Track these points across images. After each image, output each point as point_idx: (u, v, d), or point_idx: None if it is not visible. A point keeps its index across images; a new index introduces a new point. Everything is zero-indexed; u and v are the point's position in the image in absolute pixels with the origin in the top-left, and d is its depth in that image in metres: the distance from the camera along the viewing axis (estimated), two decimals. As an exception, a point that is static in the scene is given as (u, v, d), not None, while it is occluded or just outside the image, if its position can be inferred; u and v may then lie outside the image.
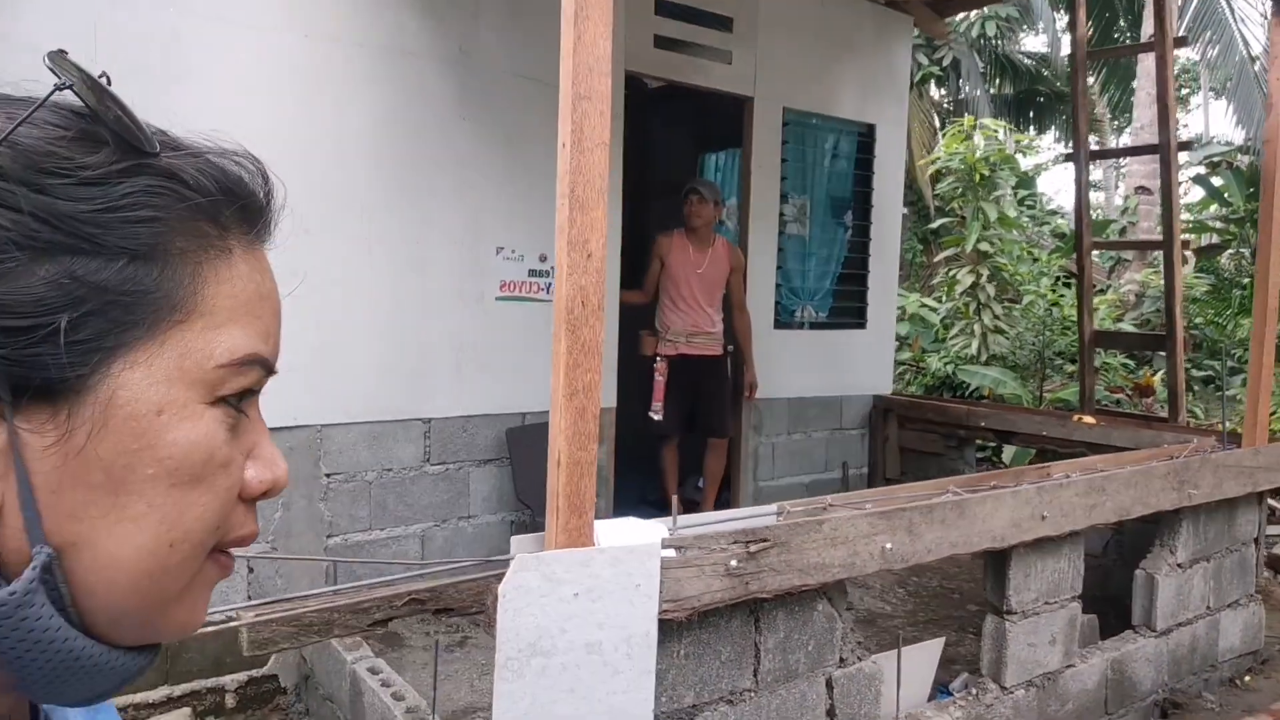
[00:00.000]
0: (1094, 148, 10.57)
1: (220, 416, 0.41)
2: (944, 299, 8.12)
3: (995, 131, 6.88)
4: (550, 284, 4.22)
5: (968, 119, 7.04)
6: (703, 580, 2.06)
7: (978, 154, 7.00)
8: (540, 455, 4.11)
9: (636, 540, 1.98)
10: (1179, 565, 3.48)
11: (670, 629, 2.07)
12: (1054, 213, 15.47)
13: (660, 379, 4.68)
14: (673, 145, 6.70)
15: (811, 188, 5.34)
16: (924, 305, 9.45)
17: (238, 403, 0.42)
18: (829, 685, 2.40)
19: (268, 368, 0.43)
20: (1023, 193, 11.71)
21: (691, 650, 2.14)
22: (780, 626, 2.30)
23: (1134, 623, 3.44)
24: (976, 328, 7.10)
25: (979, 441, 6.04)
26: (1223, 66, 11.11)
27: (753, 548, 2.12)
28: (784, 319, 5.30)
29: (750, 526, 2.17)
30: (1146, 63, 9.58)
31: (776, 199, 5.07)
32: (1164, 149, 4.34)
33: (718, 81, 4.78)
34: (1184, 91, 26.90)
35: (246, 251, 0.43)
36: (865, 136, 5.47)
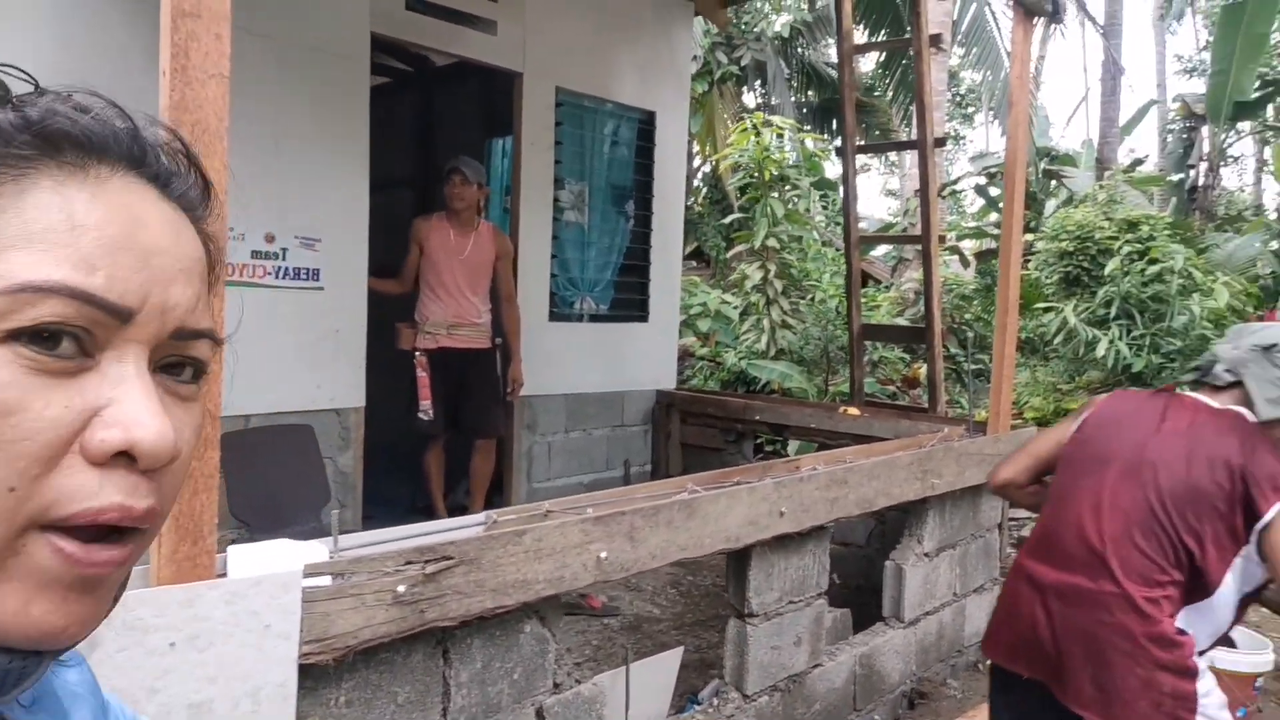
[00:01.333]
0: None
1: (7, 355, 0.37)
2: (737, 294, 8.20)
3: (782, 130, 6.96)
4: (282, 267, 3.73)
5: (756, 115, 7.09)
6: (364, 612, 1.72)
7: (766, 151, 7.07)
8: (262, 464, 3.62)
9: (268, 570, 1.61)
10: (926, 555, 3.51)
11: (325, 674, 1.72)
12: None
13: (423, 374, 4.30)
14: (460, 128, 6.30)
15: (590, 174, 5.12)
16: (724, 301, 9.55)
17: (51, 342, 0.38)
18: (539, 715, 2.13)
19: (91, 300, 0.39)
20: (820, 193, 12.16)
21: (357, 696, 1.80)
22: (476, 656, 2.00)
23: (884, 614, 3.43)
24: (765, 323, 7.17)
25: (766, 436, 6.07)
26: (990, 84, 12.04)
27: (430, 568, 1.81)
28: (561, 311, 5.05)
29: (433, 543, 1.85)
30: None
31: (550, 183, 4.80)
32: (921, 145, 4.43)
33: (481, 53, 4.44)
34: (970, 110, 29.37)
35: (65, 181, 0.40)
36: (646, 124, 5.32)
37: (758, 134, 6.99)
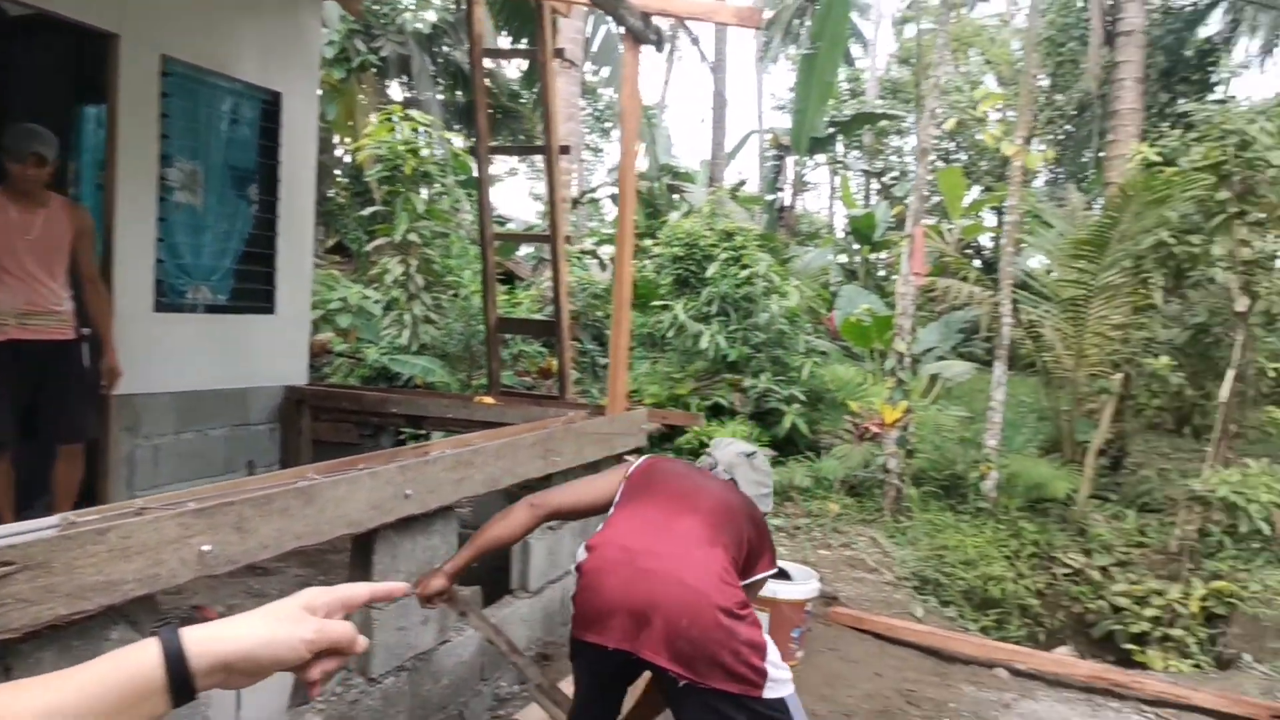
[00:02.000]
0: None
1: None
2: (379, 289, 8.05)
3: (420, 125, 6.98)
4: None
5: (395, 108, 7.03)
6: (-108, 631, 1.49)
7: (407, 145, 7.04)
8: None
9: None
10: (550, 528, 3.79)
11: None
12: (503, 220, 16.65)
13: None
14: (41, 90, 5.40)
15: (205, 153, 4.72)
16: (365, 296, 9.29)
17: None
18: (133, 725, 1.99)
19: None
20: (468, 191, 12.31)
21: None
22: (48, 670, 1.81)
23: (511, 586, 3.66)
24: (408, 318, 7.14)
25: (408, 431, 6.05)
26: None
27: (-15, 575, 1.61)
28: (171, 300, 4.59)
29: (-12, 548, 1.65)
30: (572, 85, 10.76)
31: (155, 161, 4.35)
32: (548, 152, 4.76)
33: (65, 6, 3.90)
34: (608, 125, 31.49)
35: None
36: (271, 105, 5.03)
37: (394, 128, 6.93)
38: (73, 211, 3.82)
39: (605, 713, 2.34)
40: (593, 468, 4.14)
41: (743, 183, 15.31)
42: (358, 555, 2.74)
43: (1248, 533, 5.36)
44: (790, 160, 15.41)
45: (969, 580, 5.38)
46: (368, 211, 8.04)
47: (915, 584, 5.09)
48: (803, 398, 7.07)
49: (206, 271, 4.79)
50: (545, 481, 3.73)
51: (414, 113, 7.24)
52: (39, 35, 5.14)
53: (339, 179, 15.55)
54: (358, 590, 0.92)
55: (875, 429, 5.64)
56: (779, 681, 2.06)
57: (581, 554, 2.26)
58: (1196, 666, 4.90)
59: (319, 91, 7.62)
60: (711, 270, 7.53)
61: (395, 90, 15.79)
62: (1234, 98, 15.38)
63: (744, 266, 7.54)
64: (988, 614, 5.35)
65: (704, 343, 7.17)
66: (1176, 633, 5.20)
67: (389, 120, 6.97)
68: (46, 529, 1.91)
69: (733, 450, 2.50)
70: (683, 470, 2.48)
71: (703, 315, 7.52)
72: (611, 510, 2.39)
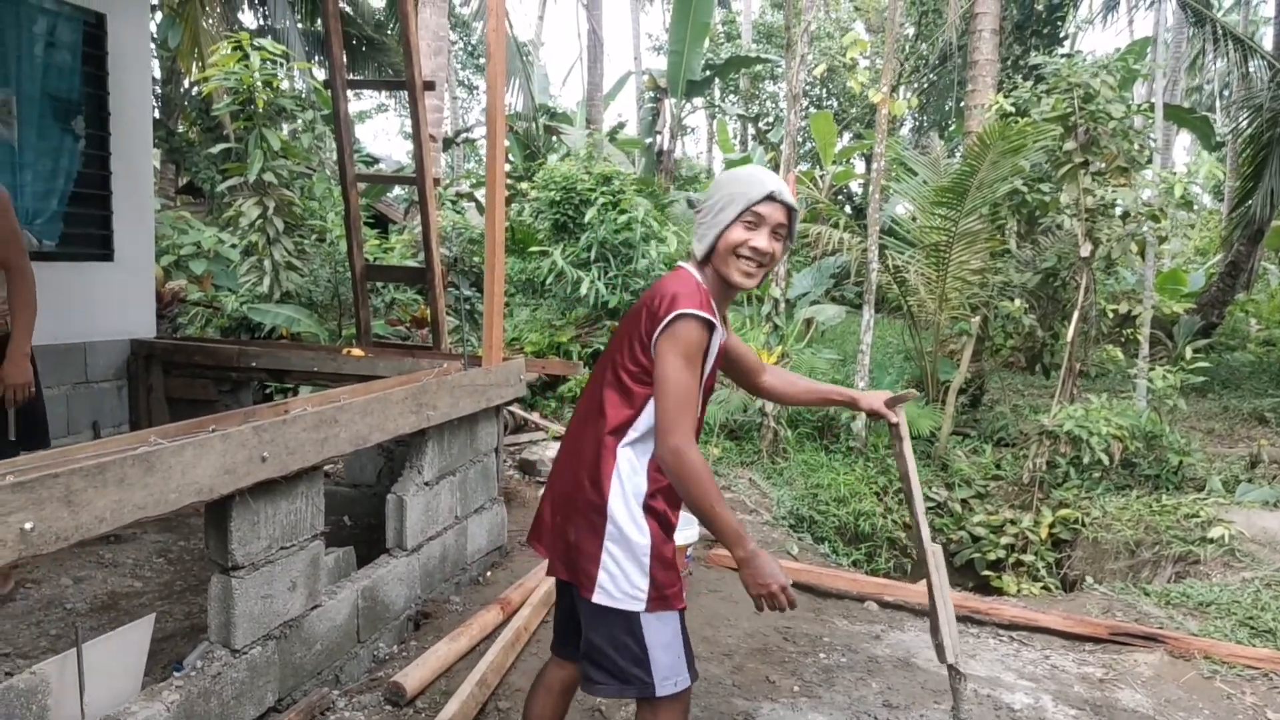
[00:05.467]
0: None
1: None
2: (236, 233, 7.50)
3: (272, 55, 6.45)
4: None
5: (243, 35, 6.45)
6: None
7: (262, 77, 6.49)
8: None
9: None
10: (427, 484, 3.66)
11: None
12: (372, 160, 15.84)
13: None
14: None
15: (19, 80, 4.20)
16: (220, 240, 8.66)
17: None
18: (-50, 726, 1.79)
19: None
20: (328, 129, 11.58)
21: None
22: None
23: (388, 546, 3.52)
24: (268, 264, 6.68)
25: (273, 385, 5.70)
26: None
27: None
28: (-14, 247, 4.10)
29: None
30: (432, 17, 10.21)
31: (-44, 87, 3.83)
32: (411, 87, 4.47)
33: None
34: (482, 61, 30.33)
35: None
36: (94, 27, 4.50)
37: (245, 57, 6.38)
38: None
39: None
40: (470, 421, 4.02)
41: (622, 125, 15.11)
42: (212, 523, 2.55)
43: (1090, 463, 5.80)
44: (669, 103, 15.30)
45: (841, 517, 5.60)
46: (219, 149, 7.42)
47: (791, 523, 5.26)
48: (683, 343, 7.08)
49: (29, 215, 4.31)
50: (420, 437, 3.59)
51: (266, 42, 6.67)
52: None
53: (188, 112, 14.36)
54: None
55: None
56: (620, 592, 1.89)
57: None
58: (1045, 589, 5.31)
59: (156, 14, 6.92)
60: (590, 215, 7.39)
61: (249, 19, 14.61)
62: (1080, 51, 16.30)
63: (622, 211, 7.44)
64: (859, 548, 5.61)
65: (584, 289, 7.06)
66: (1028, 559, 5.62)
67: (239, 49, 6.40)
68: None
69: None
70: None
71: (582, 261, 7.41)
72: None
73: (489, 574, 4.17)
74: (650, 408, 1.90)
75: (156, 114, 13.67)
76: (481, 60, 30.17)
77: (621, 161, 12.65)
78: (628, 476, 1.93)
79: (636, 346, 1.93)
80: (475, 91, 33.07)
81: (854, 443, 6.38)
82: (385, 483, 4.47)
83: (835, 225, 8.92)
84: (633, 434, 1.94)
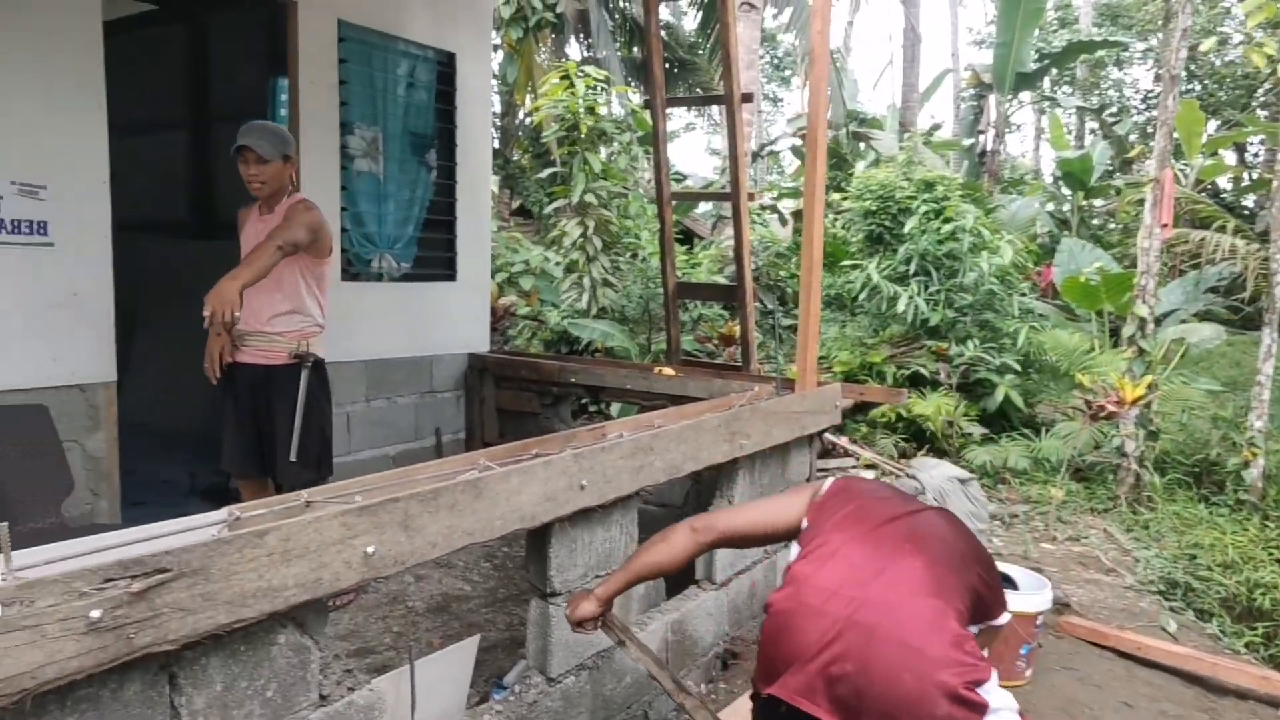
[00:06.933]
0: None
1: None
2: (559, 251, 7.97)
3: (596, 81, 6.73)
4: (40, 222, 3.17)
5: (569, 65, 6.81)
6: (45, 646, 1.38)
7: (582, 103, 6.82)
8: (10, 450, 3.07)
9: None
10: (737, 515, 3.46)
11: (-5, 725, 1.37)
12: (681, 176, 16.32)
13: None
14: (237, 65, 5.62)
15: (384, 119, 4.68)
16: (546, 258, 9.28)
17: None
18: (302, 735, 1.86)
19: None
20: (645, 149, 12.06)
21: (45, 745, 1.46)
22: (215, 677, 1.70)
23: (696, 578, 3.37)
24: (586, 281, 6.99)
25: (587, 399, 5.91)
26: (804, 48, 12.30)
27: (138, 585, 1.48)
28: (358, 269, 4.63)
29: (144, 553, 1.53)
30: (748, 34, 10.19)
31: (336, 128, 4.34)
32: (728, 101, 4.34)
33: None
34: (787, 73, 30.30)
35: None
36: (445, 66, 4.92)
37: (571, 85, 6.72)
38: (291, 206, 3.26)
39: None
40: (782, 449, 3.77)
41: (937, 127, 14.10)
42: (533, 549, 2.53)
43: None
44: (992, 100, 14.00)
45: (1229, 587, 4.55)
46: (546, 173, 7.94)
47: (1162, 589, 4.36)
48: (1017, 367, 6.29)
49: (390, 240, 4.79)
50: (731, 465, 3.40)
51: (589, 69, 6.99)
52: (231, 9, 5.31)
53: (521, 141, 15.78)
54: None
55: (1113, 408, 4.84)
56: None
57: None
58: None
59: (497, 52, 7.51)
60: (910, 225, 6.82)
61: (575, 50, 15.75)
62: None
63: (947, 220, 6.78)
64: (1253, 628, 4.51)
65: (901, 305, 6.52)
66: None
67: (565, 78, 6.76)
68: (213, 525, 1.79)
69: (942, 474, 2.05)
70: (887, 495, 2.04)
71: (899, 275, 6.86)
72: (800, 543, 1.99)
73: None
74: None
75: (495, 144, 15.18)
76: (787, 73, 30.06)
77: (936, 165, 11.76)
78: None
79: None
80: (779, 104, 33.07)
81: (1245, 494, 5.19)
82: (691, 506, 4.35)
83: (1222, 229, 7.44)
84: None
